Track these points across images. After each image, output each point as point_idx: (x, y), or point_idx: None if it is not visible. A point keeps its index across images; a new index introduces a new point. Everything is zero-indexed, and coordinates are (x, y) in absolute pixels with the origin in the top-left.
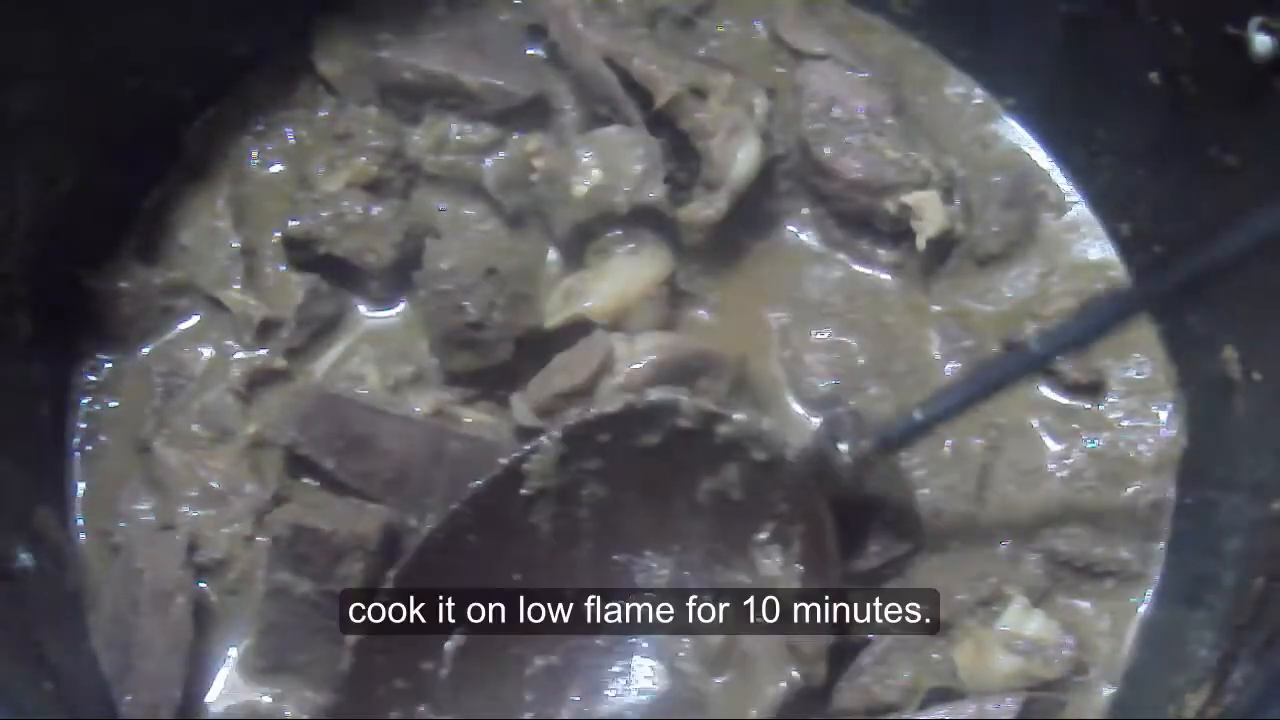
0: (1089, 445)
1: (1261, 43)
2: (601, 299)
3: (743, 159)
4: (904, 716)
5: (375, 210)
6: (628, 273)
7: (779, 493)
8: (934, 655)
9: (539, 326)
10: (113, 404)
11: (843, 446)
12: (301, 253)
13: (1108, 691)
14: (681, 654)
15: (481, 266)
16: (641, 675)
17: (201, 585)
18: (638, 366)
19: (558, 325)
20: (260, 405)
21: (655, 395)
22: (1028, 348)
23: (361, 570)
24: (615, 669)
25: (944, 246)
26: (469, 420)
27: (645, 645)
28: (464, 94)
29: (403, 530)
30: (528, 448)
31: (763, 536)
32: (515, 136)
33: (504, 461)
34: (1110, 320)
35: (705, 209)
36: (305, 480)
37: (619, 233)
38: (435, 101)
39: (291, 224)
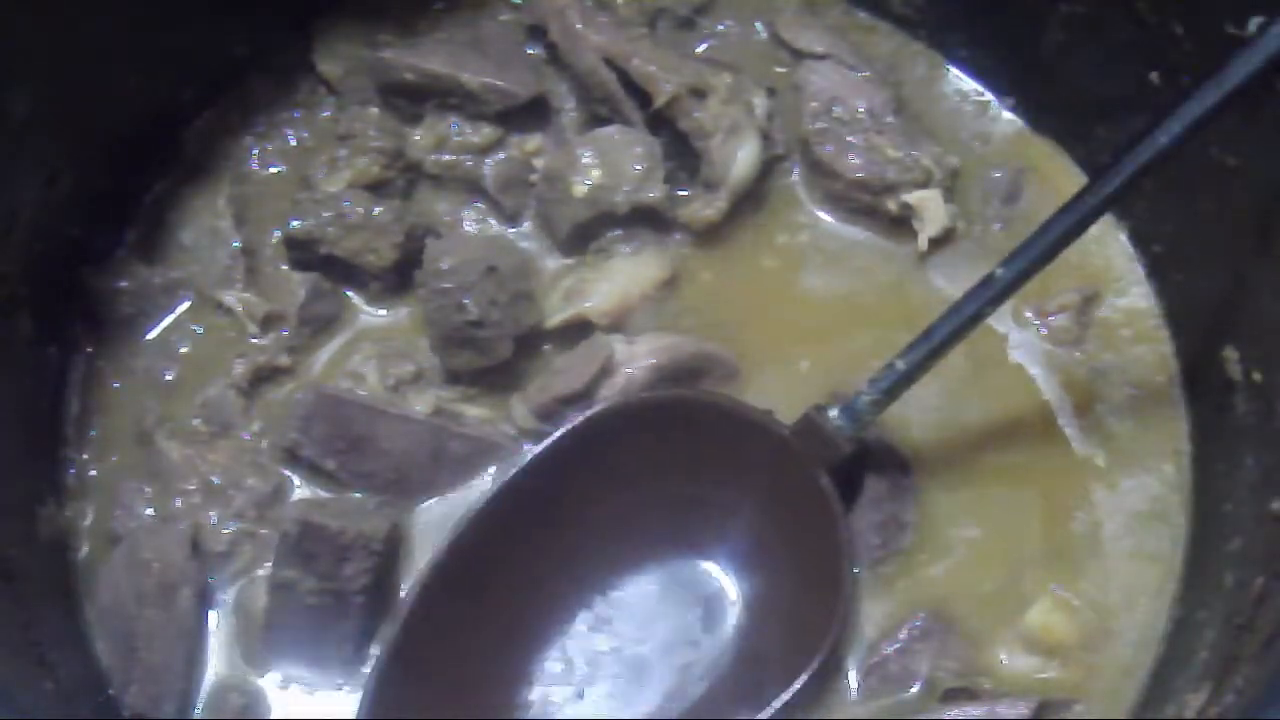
0: None
1: None
2: (602, 299)
3: (742, 159)
4: (916, 717)
5: (376, 210)
6: (628, 273)
7: (780, 473)
8: (954, 656)
9: (539, 325)
10: (113, 401)
11: (832, 412)
12: (303, 253)
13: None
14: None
15: (481, 265)
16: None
17: (208, 579)
18: (638, 369)
19: (558, 325)
20: (262, 401)
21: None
22: (994, 276)
23: (367, 570)
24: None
25: (946, 243)
26: (470, 417)
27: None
28: (464, 94)
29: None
30: (527, 459)
31: (769, 518)
32: (515, 137)
33: (503, 479)
34: (1068, 231)
35: (705, 209)
36: (307, 476)
37: (619, 233)
38: (436, 101)
39: (293, 224)
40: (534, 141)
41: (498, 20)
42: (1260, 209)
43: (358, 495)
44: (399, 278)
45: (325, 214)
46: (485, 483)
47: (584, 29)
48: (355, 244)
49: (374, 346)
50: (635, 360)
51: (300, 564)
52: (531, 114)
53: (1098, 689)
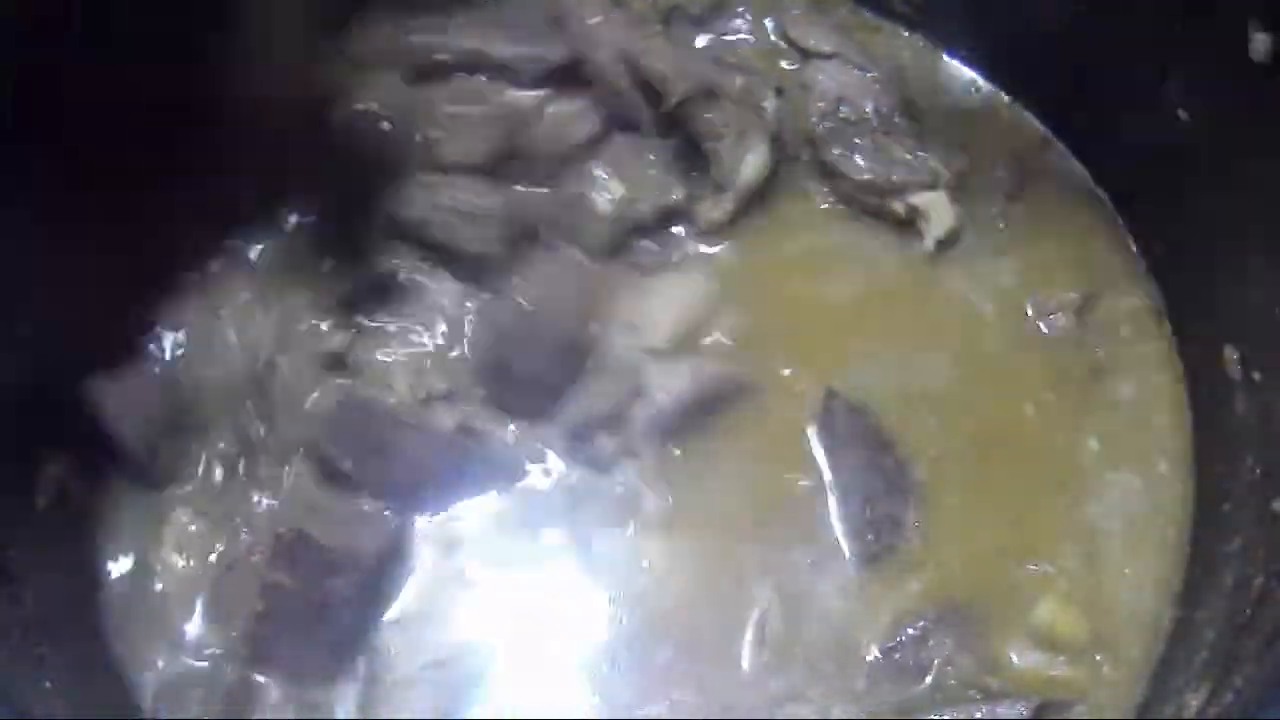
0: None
1: (1261, 42)
2: (659, 331)
3: (751, 161)
4: (917, 717)
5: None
6: (680, 298)
7: None
8: (967, 649)
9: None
10: None
11: None
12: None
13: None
14: None
15: None
16: None
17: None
18: (671, 393)
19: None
20: None
21: None
22: None
23: (353, 584)
24: None
25: (952, 243)
26: (497, 436)
27: None
28: (497, 66)
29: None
30: None
31: None
32: (555, 106)
33: None
34: None
35: (713, 210)
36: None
37: (653, 245)
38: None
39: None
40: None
41: (521, 7)
42: (1261, 209)
43: (365, 502)
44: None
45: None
46: (491, 500)
47: (599, 24)
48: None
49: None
50: (668, 383)
51: (287, 570)
52: (569, 77)
53: (1102, 688)
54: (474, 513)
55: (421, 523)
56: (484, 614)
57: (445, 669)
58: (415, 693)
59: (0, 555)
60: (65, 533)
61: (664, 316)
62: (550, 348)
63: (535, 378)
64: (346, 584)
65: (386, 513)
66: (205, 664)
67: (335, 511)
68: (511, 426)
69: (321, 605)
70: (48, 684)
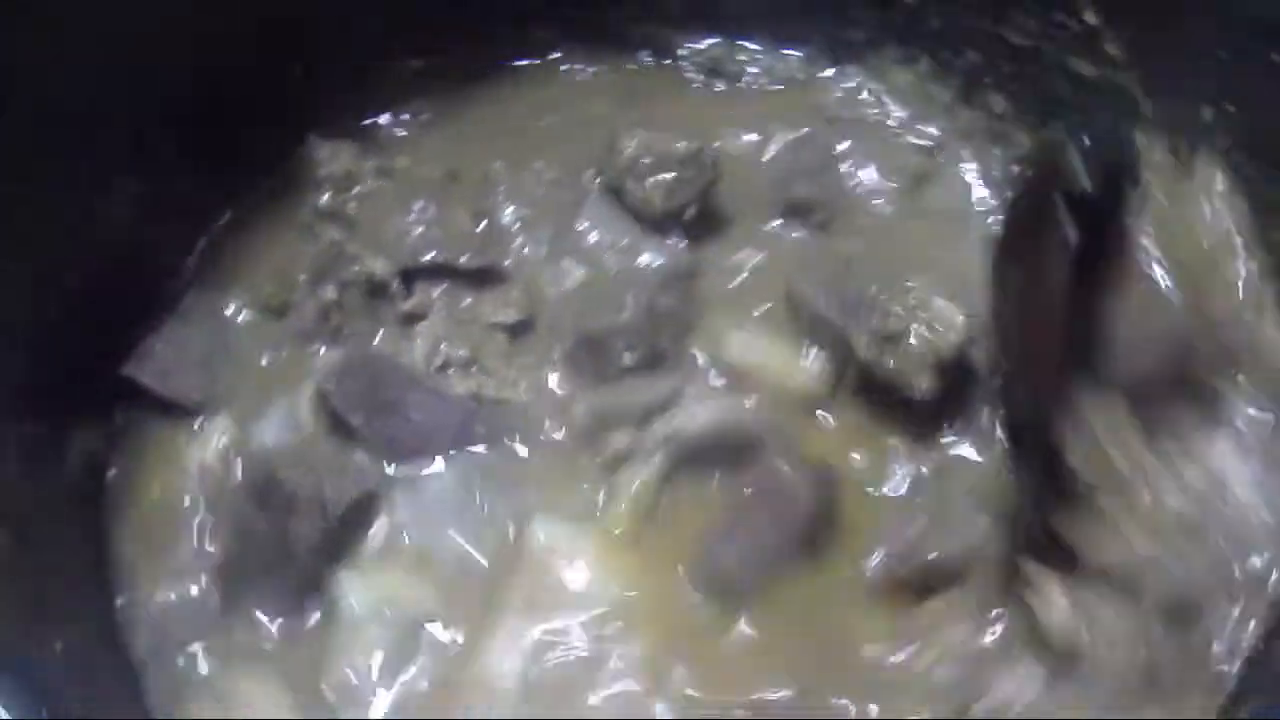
0: None
1: None
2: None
3: None
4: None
5: None
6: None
7: None
8: None
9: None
10: None
11: None
12: None
13: None
14: None
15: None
16: None
17: None
18: (690, 423)
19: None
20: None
21: None
22: None
23: (318, 530)
24: None
25: None
26: (511, 404)
27: None
28: None
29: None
30: None
31: None
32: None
33: None
34: None
35: None
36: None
37: None
38: None
39: None
40: None
41: None
42: None
43: (361, 457)
44: None
45: None
46: (475, 458)
47: None
48: None
49: (444, 325)
50: (692, 416)
51: (255, 510)
52: None
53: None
54: (456, 469)
55: (401, 472)
56: (448, 567)
57: (398, 610)
58: (369, 634)
59: (22, 528)
60: (89, 504)
61: (753, 361)
62: (648, 346)
63: (621, 362)
64: (312, 529)
65: (388, 468)
66: (193, 595)
67: (322, 459)
68: (524, 392)
69: (285, 546)
70: (58, 645)
